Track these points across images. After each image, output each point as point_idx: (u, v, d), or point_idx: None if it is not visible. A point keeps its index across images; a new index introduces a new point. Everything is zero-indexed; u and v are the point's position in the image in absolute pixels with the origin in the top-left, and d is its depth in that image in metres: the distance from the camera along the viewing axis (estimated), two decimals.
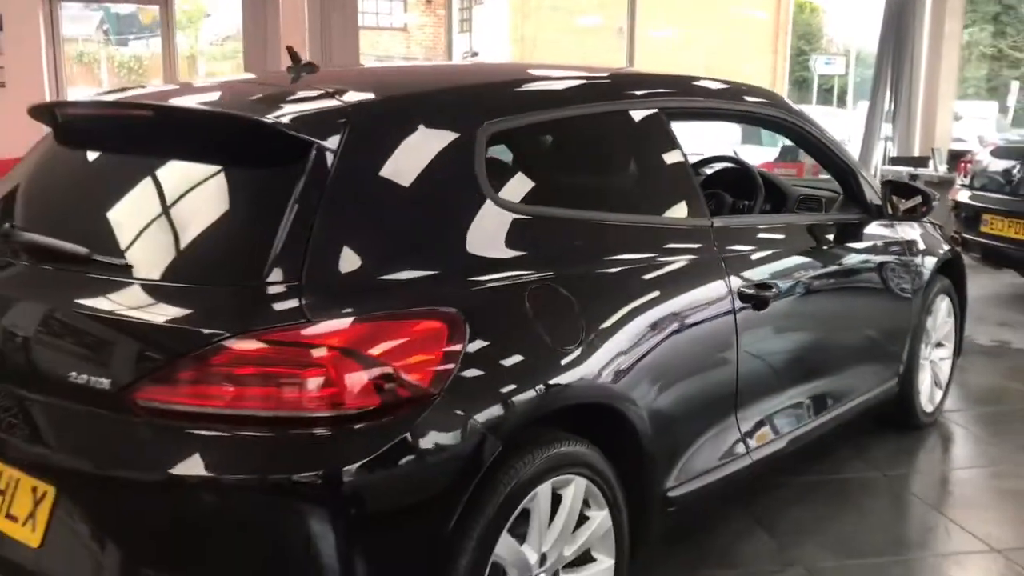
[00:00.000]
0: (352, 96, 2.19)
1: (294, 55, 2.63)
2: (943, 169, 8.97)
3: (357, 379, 1.81)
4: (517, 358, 2.08)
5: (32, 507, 1.98)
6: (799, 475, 3.64)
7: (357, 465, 1.79)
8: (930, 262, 3.98)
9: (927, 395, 4.19)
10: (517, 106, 2.47)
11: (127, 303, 1.94)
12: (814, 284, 3.24)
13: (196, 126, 2.18)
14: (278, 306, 1.84)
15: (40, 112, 2.48)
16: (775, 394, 3.06)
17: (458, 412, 1.92)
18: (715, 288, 2.70)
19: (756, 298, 2.81)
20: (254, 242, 1.92)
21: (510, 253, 2.21)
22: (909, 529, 3.40)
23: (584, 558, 2.31)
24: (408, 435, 1.84)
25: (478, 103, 2.38)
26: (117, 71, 21.18)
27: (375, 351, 1.84)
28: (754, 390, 2.91)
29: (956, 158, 8.39)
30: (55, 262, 2.10)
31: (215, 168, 2.10)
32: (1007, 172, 6.71)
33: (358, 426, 1.81)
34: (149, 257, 2.02)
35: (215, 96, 2.41)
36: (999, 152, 7.09)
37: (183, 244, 2.03)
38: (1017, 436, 4.26)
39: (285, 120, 2.04)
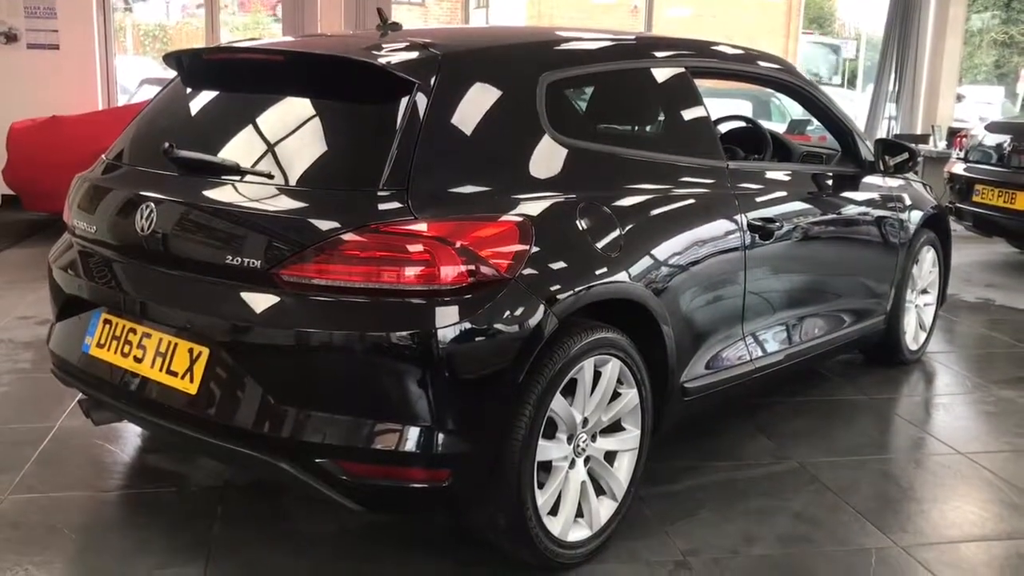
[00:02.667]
0: (441, 47, 2.72)
1: (383, 15, 3.16)
2: (942, 145, 9.47)
3: (451, 262, 2.35)
4: (571, 257, 2.62)
5: (189, 363, 2.53)
6: (795, 395, 4.18)
7: (453, 326, 2.32)
8: (917, 215, 4.50)
9: (912, 335, 4.72)
10: (569, 61, 3.00)
11: (273, 203, 2.47)
12: (813, 225, 3.77)
13: (319, 68, 2.71)
14: (390, 206, 2.38)
15: (173, 59, 3.02)
16: (775, 314, 3.59)
17: (527, 294, 2.45)
18: (728, 217, 3.24)
19: (762, 229, 3.34)
20: (371, 157, 2.45)
21: (564, 176, 2.74)
22: (889, 437, 3.95)
23: (615, 427, 2.86)
24: (490, 307, 2.38)
25: (538, 57, 2.92)
26: (142, 39, 21.69)
27: (465, 242, 2.38)
28: (758, 308, 3.45)
29: (952, 135, 8.89)
30: (206, 174, 2.64)
31: (336, 101, 2.64)
32: (999, 146, 7.21)
33: (452, 298, 2.34)
34: (289, 169, 2.55)
35: (331, 46, 2.94)
36: (993, 127, 7.59)
37: (318, 159, 2.57)
38: (994, 372, 4.79)
39: (393, 63, 2.57)
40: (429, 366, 2.33)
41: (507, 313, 2.41)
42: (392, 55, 2.66)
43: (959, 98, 12.87)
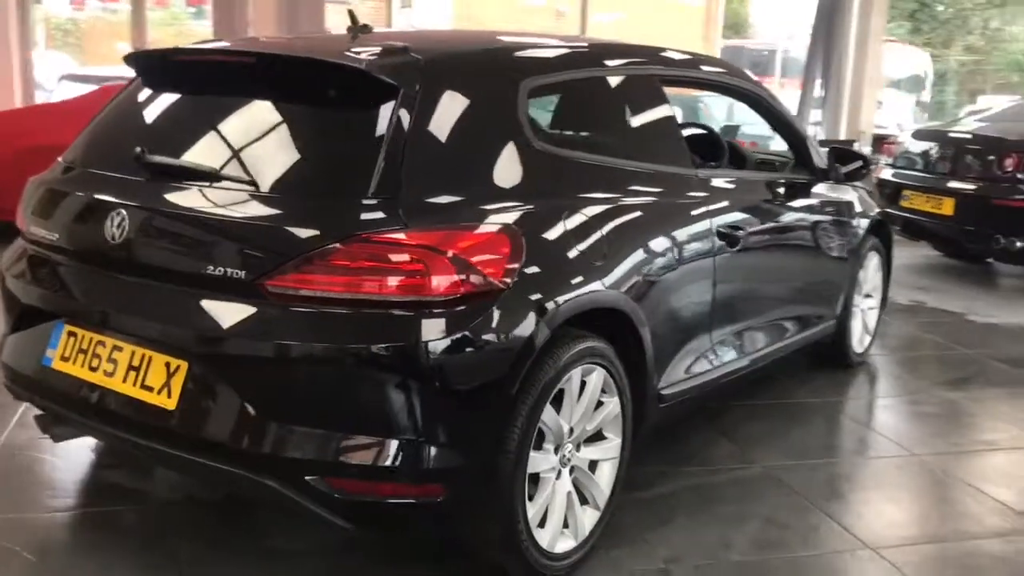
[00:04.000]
0: (422, 52, 2.66)
1: (353, 17, 3.08)
2: (867, 151, 9.75)
3: (444, 272, 2.30)
4: (559, 266, 2.60)
5: (166, 378, 2.43)
6: (754, 399, 4.24)
7: (446, 338, 2.28)
8: (864, 222, 4.61)
9: (858, 338, 4.84)
10: (547, 67, 2.98)
11: (256, 211, 2.39)
12: (775, 232, 3.83)
13: (298, 71, 2.62)
14: (378, 215, 2.32)
15: (134, 59, 2.90)
16: (741, 320, 3.63)
17: (519, 304, 2.42)
18: (702, 225, 3.26)
19: (729, 236, 3.38)
20: (357, 165, 2.40)
21: (547, 184, 2.72)
22: (844, 439, 4.05)
23: (597, 436, 2.84)
24: (483, 319, 2.34)
25: (518, 62, 2.89)
26: (53, 34, 20.93)
27: (456, 251, 2.33)
28: (725, 314, 3.48)
29: (879, 141, 9.17)
30: (181, 180, 2.54)
31: (316, 106, 2.57)
32: (925, 153, 7.46)
33: (445, 309, 2.30)
34: (269, 176, 2.47)
35: (306, 48, 2.85)
36: (919, 135, 7.85)
37: (299, 166, 2.48)
38: (931, 374, 4.95)
39: (376, 67, 2.51)
40: (422, 379, 2.29)
41: (500, 323, 2.38)
42: (372, 59, 2.59)
43: (879, 104, 13.29)
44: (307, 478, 2.29)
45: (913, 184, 7.43)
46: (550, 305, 2.50)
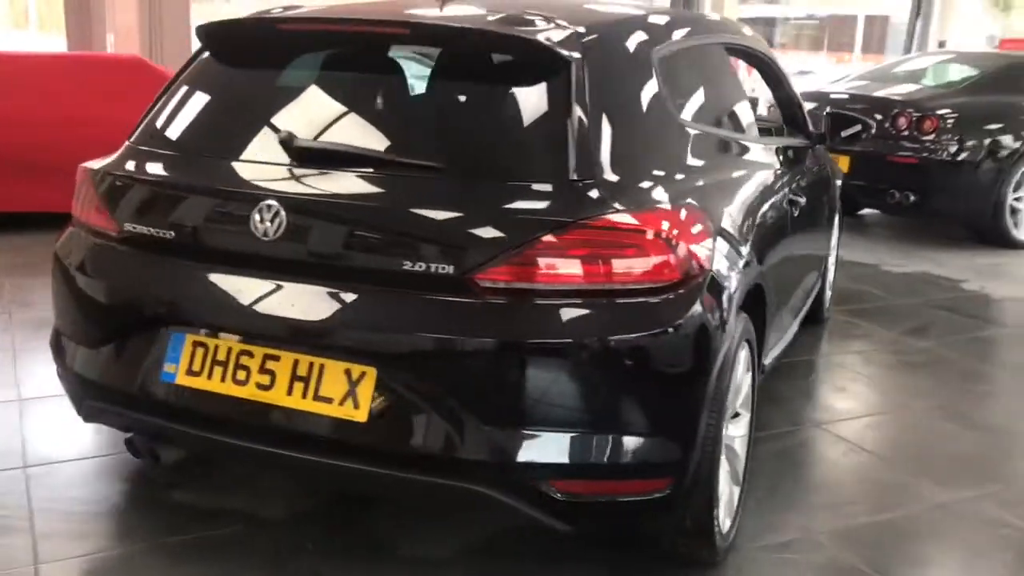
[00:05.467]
0: (571, 24, 2.49)
1: None
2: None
3: (665, 256, 2.19)
4: (732, 244, 2.54)
5: (349, 387, 2.18)
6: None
7: (670, 325, 2.18)
8: (838, 183, 4.81)
9: (829, 294, 5.06)
10: (666, 35, 2.87)
11: (453, 200, 2.17)
12: (803, 197, 3.91)
13: (457, 43, 2.40)
14: (589, 198, 2.18)
15: (223, 29, 2.57)
16: (792, 289, 3.71)
17: (718, 286, 2.36)
18: (784, 194, 3.29)
19: (793, 203, 3.43)
20: (550, 146, 2.25)
21: (698, 160, 2.65)
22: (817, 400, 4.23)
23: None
24: (698, 303, 2.25)
25: (647, 31, 2.76)
26: None
27: (671, 235, 2.22)
28: (789, 281, 3.54)
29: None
30: (339, 166, 2.27)
31: (483, 82, 2.36)
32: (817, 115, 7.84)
33: (667, 296, 2.19)
34: (450, 161, 2.25)
35: (450, 18, 2.59)
36: (807, 96, 8.24)
37: (482, 149, 2.29)
38: (895, 324, 5.24)
39: (546, 38, 2.33)
40: (648, 369, 2.19)
41: (710, 306, 2.30)
42: (530, 29, 2.41)
43: None
44: (529, 482, 2.14)
45: None
46: (735, 284, 2.45)
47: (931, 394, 4.14)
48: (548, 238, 2.11)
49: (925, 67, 8.68)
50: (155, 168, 2.50)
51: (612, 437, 2.16)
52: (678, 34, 2.98)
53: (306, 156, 2.31)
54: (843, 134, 4.40)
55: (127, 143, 2.64)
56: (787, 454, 3.42)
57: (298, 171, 2.31)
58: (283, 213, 2.22)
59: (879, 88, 7.92)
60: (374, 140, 2.33)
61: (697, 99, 3.05)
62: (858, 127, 4.43)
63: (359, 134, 2.36)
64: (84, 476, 2.99)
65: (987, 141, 7.19)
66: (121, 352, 2.45)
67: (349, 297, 2.20)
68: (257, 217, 2.24)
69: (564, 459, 2.14)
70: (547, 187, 2.20)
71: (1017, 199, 7.31)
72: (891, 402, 4.16)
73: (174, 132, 2.55)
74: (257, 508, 2.84)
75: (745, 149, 3.14)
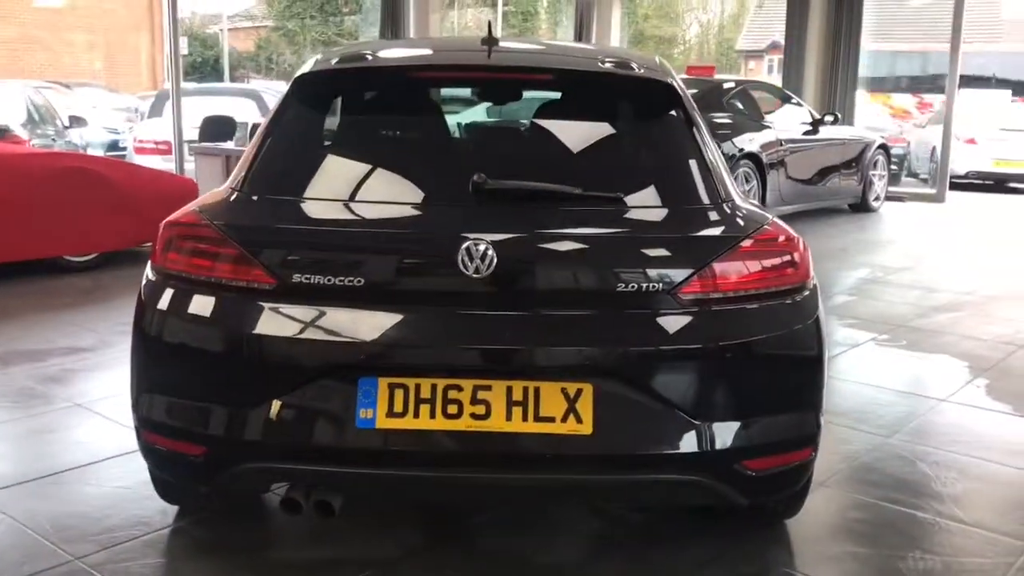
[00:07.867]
0: (642, 65, 2.86)
1: (491, 30, 3.04)
2: None
3: (807, 261, 2.64)
4: None
5: (568, 404, 2.37)
6: None
7: (819, 317, 2.62)
8: None
9: None
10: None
11: (642, 225, 2.46)
12: None
13: (595, 85, 2.65)
14: (739, 216, 2.58)
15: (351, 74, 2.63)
16: None
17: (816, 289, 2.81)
18: None
19: None
20: (692, 174, 2.64)
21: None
22: None
23: None
24: (819, 296, 2.71)
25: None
26: None
27: (798, 243, 2.66)
28: None
29: None
30: (535, 202, 2.45)
31: (622, 118, 2.66)
32: None
33: (809, 293, 2.63)
34: (622, 190, 2.53)
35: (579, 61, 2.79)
36: None
37: (640, 178, 2.62)
38: None
39: (662, 79, 2.68)
40: (815, 354, 2.61)
41: (819, 298, 2.75)
42: (646, 69, 2.76)
43: None
44: (731, 466, 2.48)
45: None
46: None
47: None
48: (729, 253, 2.48)
49: None
50: (318, 216, 2.46)
51: (781, 417, 2.56)
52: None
53: (497, 195, 2.44)
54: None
55: (238, 192, 2.55)
56: None
57: (491, 209, 2.44)
58: (491, 251, 2.34)
59: None
60: (551, 177, 2.53)
61: None
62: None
63: (534, 172, 2.54)
64: (158, 550, 2.77)
65: None
66: (306, 403, 2.38)
67: (563, 321, 2.39)
68: (466, 256, 2.34)
69: (754, 441, 2.50)
70: (706, 207, 2.57)
71: None
72: None
73: (315, 178, 2.52)
74: (371, 551, 2.83)
75: None
